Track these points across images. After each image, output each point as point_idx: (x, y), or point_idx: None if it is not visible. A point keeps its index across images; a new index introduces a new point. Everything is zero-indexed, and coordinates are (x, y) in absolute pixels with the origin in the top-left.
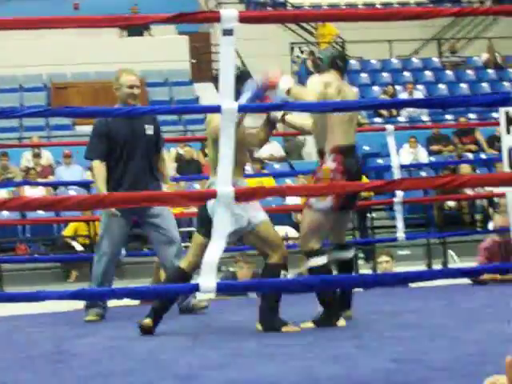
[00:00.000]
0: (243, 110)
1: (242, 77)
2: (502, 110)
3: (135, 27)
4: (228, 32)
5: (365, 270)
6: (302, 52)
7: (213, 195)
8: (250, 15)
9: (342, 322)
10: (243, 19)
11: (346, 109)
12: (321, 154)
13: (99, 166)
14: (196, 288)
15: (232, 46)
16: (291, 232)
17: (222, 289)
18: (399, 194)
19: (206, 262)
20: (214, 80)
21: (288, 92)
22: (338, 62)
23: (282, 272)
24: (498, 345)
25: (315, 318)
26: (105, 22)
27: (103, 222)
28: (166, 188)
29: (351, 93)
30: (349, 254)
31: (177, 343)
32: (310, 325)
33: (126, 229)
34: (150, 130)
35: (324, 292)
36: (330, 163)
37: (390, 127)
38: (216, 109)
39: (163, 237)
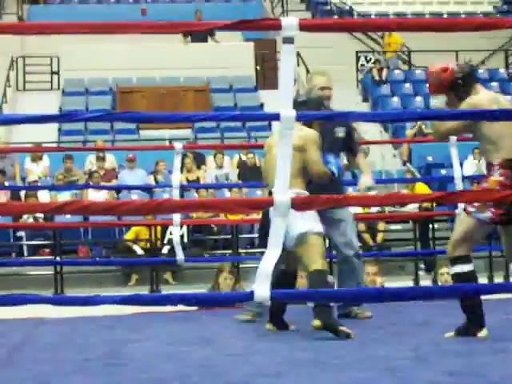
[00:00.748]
0: (302, 117)
1: (313, 102)
2: None
3: (199, 33)
4: (288, 40)
5: (425, 281)
6: (367, 61)
7: (270, 203)
8: (311, 23)
9: (483, 333)
10: (303, 27)
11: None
12: (488, 166)
13: None
14: (251, 296)
15: (293, 55)
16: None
17: (277, 297)
18: (460, 205)
19: (261, 270)
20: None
21: None
22: (475, 74)
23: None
24: None
25: (458, 328)
26: (166, 28)
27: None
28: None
29: (504, 100)
30: None
31: (232, 350)
32: (452, 334)
33: None
34: (340, 132)
35: (469, 300)
36: (497, 176)
37: (452, 138)
38: (275, 117)
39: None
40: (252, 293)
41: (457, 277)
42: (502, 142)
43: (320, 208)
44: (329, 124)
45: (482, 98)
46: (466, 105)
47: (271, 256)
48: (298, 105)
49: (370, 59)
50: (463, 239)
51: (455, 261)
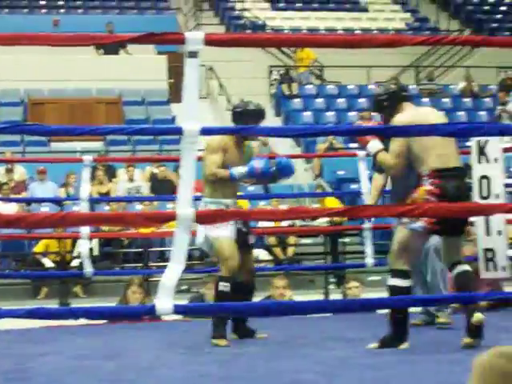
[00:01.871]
0: (206, 132)
1: (250, 115)
2: (474, 139)
3: (112, 45)
4: (193, 54)
5: (335, 295)
6: (281, 75)
7: (173, 217)
8: (216, 38)
9: (405, 346)
10: (208, 42)
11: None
12: (420, 178)
13: (376, 177)
14: (152, 309)
15: (196, 69)
16: (263, 254)
17: (180, 311)
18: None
19: (163, 283)
20: None
21: (375, 156)
22: (404, 93)
23: (223, 284)
24: (459, 373)
25: (381, 339)
26: (75, 41)
27: None
28: None
29: (433, 116)
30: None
31: (139, 364)
32: (375, 346)
33: None
34: None
35: (396, 313)
36: (427, 185)
37: (361, 153)
38: (177, 131)
39: None
40: (153, 306)
41: (392, 289)
42: (428, 154)
43: (224, 222)
44: None
45: (404, 117)
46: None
47: (174, 269)
48: (235, 115)
49: (281, 74)
50: (401, 250)
51: (394, 273)
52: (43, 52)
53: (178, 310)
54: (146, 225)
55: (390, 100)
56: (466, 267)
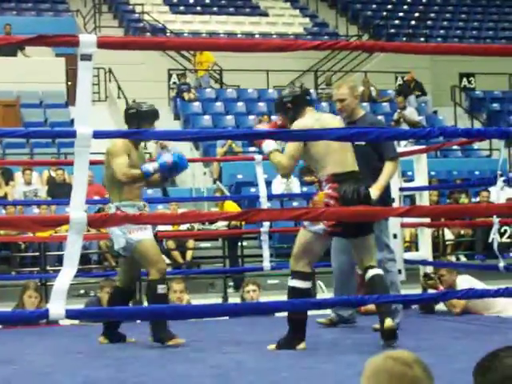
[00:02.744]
0: (99, 136)
1: (143, 116)
2: None
3: (8, 47)
4: (86, 57)
5: (234, 298)
6: (179, 79)
7: (66, 221)
8: (110, 41)
9: (302, 346)
10: (102, 45)
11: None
12: (320, 183)
13: None
14: (46, 314)
15: (90, 71)
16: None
17: (72, 316)
18: (266, 223)
19: (56, 288)
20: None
21: (268, 155)
22: (308, 97)
23: (161, 286)
24: (351, 377)
25: (279, 341)
26: None
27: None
28: None
29: (333, 122)
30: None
31: (35, 369)
32: (273, 347)
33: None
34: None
35: (294, 314)
36: (326, 189)
37: (258, 157)
38: (71, 134)
39: None
40: (47, 310)
41: (292, 290)
42: (327, 160)
43: (115, 226)
44: None
45: (306, 121)
46: (293, 127)
47: (66, 274)
48: (129, 117)
49: (180, 79)
50: (302, 252)
51: (295, 275)
52: None
53: (69, 314)
54: (37, 229)
55: (295, 103)
56: (377, 271)
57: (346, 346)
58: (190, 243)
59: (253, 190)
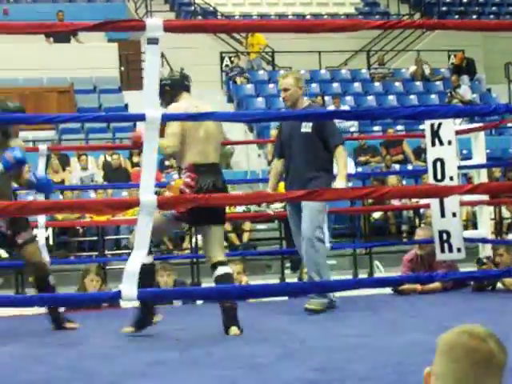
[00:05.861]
0: (167, 118)
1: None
2: (428, 122)
3: (62, 34)
4: (153, 41)
5: (292, 279)
6: (232, 62)
7: (136, 204)
8: (175, 24)
9: (158, 318)
10: (168, 28)
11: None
12: (179, 170)
13: (275, 163)
14: (118, 296)
15: (157, 55)
16: None
17: (143, 297)
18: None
19: (128, 270)
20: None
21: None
22: (186, 83)
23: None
24: (420, 355)
25: (133, 322)
26: (29, 29)
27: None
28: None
29: (204, 108)
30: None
31: (100, 351)
32: (131, 329)
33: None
34: (306, 127)
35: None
36: (184, 177)
37: None
38: (140, 117)
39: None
40: (119, 292)
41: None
42: (190, 149)
43: (185, 207)
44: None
45: (180, 105)
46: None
47: (137, 256)
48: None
49: (233, 62)
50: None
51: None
52: None
53: (141, 295)
54: (108, 212)
55: (173, 86)
56: (226, 269)
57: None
58: (247, 225)
59: None
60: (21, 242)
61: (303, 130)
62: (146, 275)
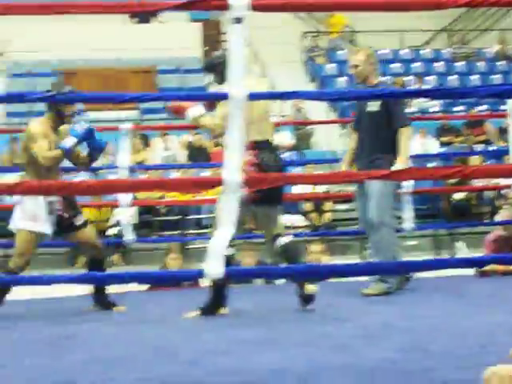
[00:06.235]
0: (254, 97)
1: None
2: (510, 101)
3: (145, 14)
4: (237, 20)
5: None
6: (312, 41)
7: (220, 183)
8: (263, 3)
9: (225, 311)
10: (255, 7)
11: (347, 98)
12: None
13: (352, 137)
14: (201, 274)
15: (242, 35)
16: (299, 221)
17: (231, 275)
18: (408, 184)
19: (212, 248)
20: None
21: (195, 120)
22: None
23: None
24: (503, 335)
25: (201, 307)
26: (116, 9)
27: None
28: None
29: (260, 87)
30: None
31: (182, 329)
32: (195, 314)
33: None
34: (373, 106)
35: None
36: (246, 156)
37: None
38: (224, 96)
39: None
40: (202, 270)
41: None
42: (250, 127)
43: (269, 186)
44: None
45: (250, 82)
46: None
47: (222, 234)
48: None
49: (313, 42)
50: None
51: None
52: (75, 21)
53: (228, 273)
54: (194, 190)
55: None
56: (289, 238)
57: None
58: (327, 205)
59: None
60: (79, 223)
61: (369, 108)
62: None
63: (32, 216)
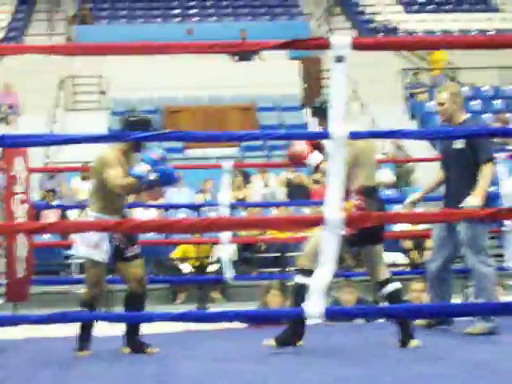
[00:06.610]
0: (354, 136)
1: (142, 124)
2: None
3: (246, 52)
4: (340, 59)
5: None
6: (414, 78)
7: (321, 221)
8: (364, 42)
9: (301, 342)
10: (356, 46)
11: (453, 137)
12: (346, 192)
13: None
14: (302, 313)
15: (343, 73)
16: (399, 258)
17: (329, 315)
18: (509, 223)
19: (314, 286)
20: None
21: (317, 168)
22: None
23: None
24: None
25: (278, 336)
26: (217, 48)
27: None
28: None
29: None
30: (388, 288)
31: (283, 368)
32: (272, 343)
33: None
34: (458, 143)
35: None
36: (353, 200)
37: (501, 155)
38: (325, 135)
39: None
40: (303, 309)
41: (299, 287)
42: (363, 171)
43: (370, 225)
44: None
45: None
46: None
47: (323, 273)
48: (129, 124)
49: (415, 78)
50: (316, 253)
51: (302, 272)
52: (178, 60)
53: (329, 313)
54: (293, 229)
55: None
56: (397, 285)
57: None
58: (428, 242)
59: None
60: (130, 255)
61: (455, 146)
62: (300, 295)
63: (93, 244)
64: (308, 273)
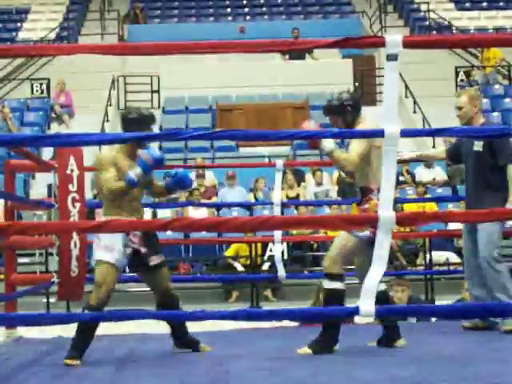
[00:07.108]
0: (406, 134)
1: (143, 120)
2: None
3: (298, 51)
4: (392, 57)
5: None
6: (467, 76)
7: (374, 220)
8: (415, 40)
9: (336, 348)
10: (408, 44)
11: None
12: (364, 190)
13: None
14: (356, 312)
15: (396, 71)
16: (453, 257)
17: (381, 313)
18: None
19: (366, 286)
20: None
21: (329, 154)
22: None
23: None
24: None
25: (312, 344)
26: (270, 46)
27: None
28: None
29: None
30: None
31: (334, 367)
32: (308, 351)
33: None
34: (478, 146)
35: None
36: (376, 199)
37: None
38: (379, 133)
39: None
40: (357, 308)
41: (331, 292)
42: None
43: (423, 224)
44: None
45: (373, 123)
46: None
47: (376, 272)
48: (128, 121)
49: (468, 76)
50: (342, 256)
51: (332, 277)
52: (230, 59)
53: (380, 312)
54: (346, 228)
55: (355, 106)
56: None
57: None
58: None
59: None
60: (153, 264)
61: (475, 148)
62: (336, 300)
63: (106, 246)
64: (337, 277)
